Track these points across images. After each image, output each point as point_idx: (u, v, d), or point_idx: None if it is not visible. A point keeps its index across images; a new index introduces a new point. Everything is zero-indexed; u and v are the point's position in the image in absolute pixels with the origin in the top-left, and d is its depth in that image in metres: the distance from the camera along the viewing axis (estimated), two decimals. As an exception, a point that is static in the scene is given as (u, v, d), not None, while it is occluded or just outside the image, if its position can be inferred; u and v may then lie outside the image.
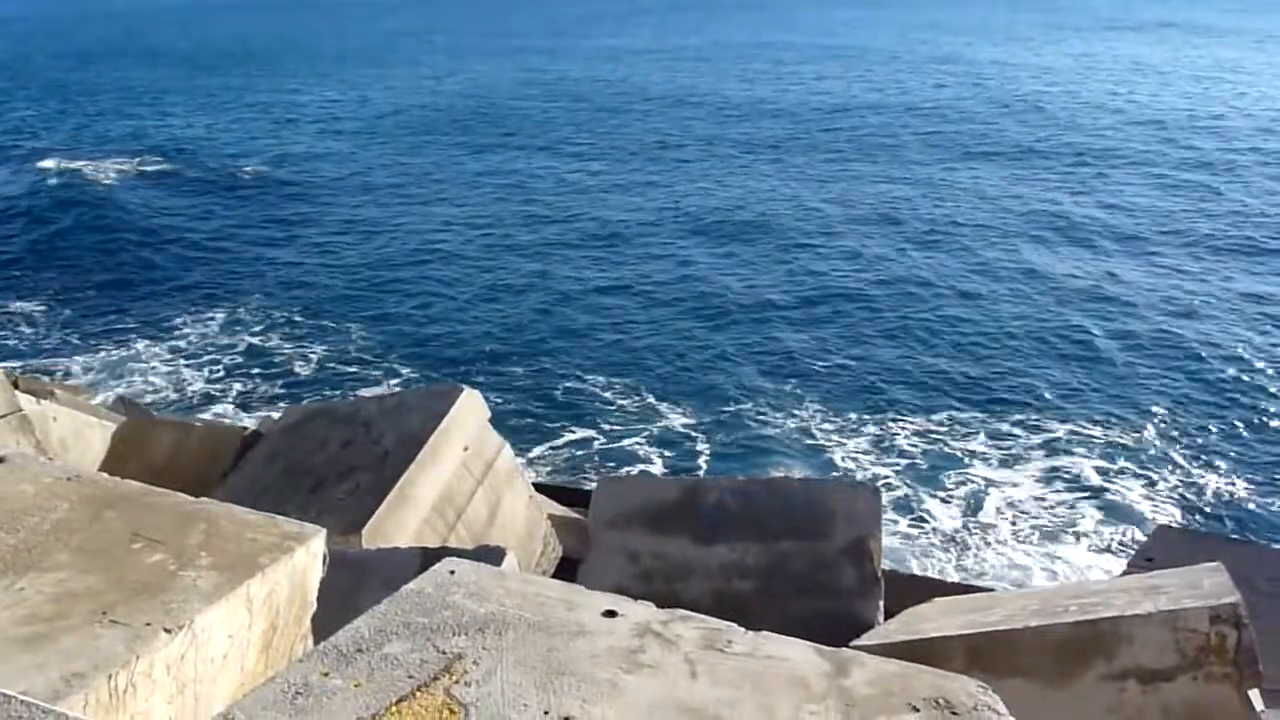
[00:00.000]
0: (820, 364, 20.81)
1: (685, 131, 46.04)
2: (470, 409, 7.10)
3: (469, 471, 6.98)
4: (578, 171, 38.45)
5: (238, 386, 19.60)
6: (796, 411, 18.74)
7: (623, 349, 21.45)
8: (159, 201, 34.61)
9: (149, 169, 40.00)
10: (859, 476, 16.23)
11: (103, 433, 9.27)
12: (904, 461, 16.97)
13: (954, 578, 12.94)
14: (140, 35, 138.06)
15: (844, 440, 17.70)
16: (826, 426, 18.15)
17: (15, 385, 8.14)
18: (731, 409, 18.85)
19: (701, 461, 17.00)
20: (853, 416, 18.51)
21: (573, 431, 17.90)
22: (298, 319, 22.85)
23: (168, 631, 2.61)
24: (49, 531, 3.08)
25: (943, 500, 15.82)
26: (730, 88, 58.79)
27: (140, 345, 21.44)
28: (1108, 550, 14.44)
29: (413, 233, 30.19)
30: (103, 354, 21.03)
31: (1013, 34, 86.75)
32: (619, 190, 35.15)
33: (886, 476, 16.41)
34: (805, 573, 6.36)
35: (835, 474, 16.14)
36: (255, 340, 21.79)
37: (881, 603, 6.27)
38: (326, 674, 2.32)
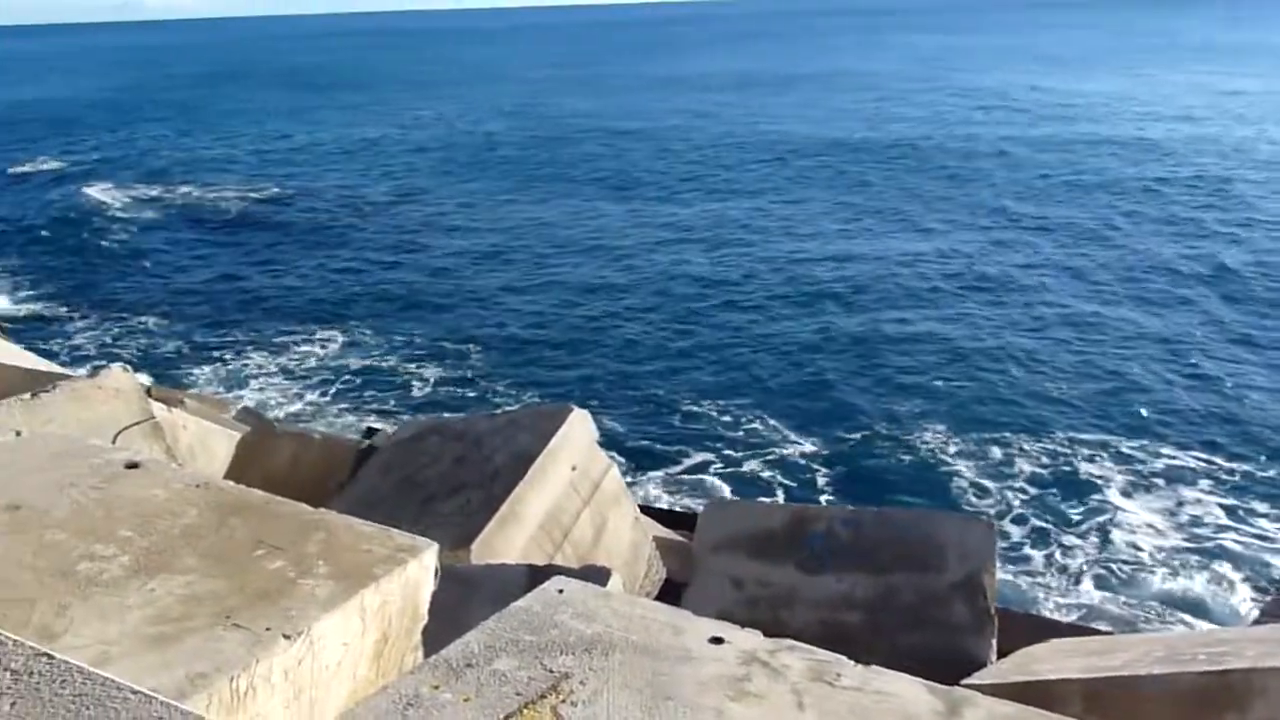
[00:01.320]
0: (940, 388, 20.39)
1: (792, 167, 45.86)
2: (579, 429, 7.15)
3: (576, 491, 7.03)
4: (694, 193, 38.62)
5: (356, 401, 20.17)
6: (912, 436, 18.38)
7: (737, 372, 21.36)
8: (281, 223, 36.05)
9: (268, 192, 41.70)
10: (974, 506, 15.79)
11: (228, 441, 9.64)
12: (1022, 492, 16.45)
13: (1071, 618, 12.45)
14: (265, 61, 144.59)
15: (961, 467, 17.25)
16: (943, 453, 17.74)
17: (148, 394, 8.53)
18: (843, 432, 18.59)
19: (810, 487, 16.78)
20: (971, 443, 18.05)
21: (679, 453, 17.88)
22: (415, 339, 23.44)
23: (287, 637, 2.68)
24: (178, 536, 3.20)
25: (1061, 535, 15.27)
26: (802, 119, 58.42)
27: (265, 360, 22.29)
28: (1239, 597, 13.69)
29: (529, 256, 30.74)
30: (229, 367, 21.93)
31: (1115, 64, 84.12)
32: (739, 215, 35.18)
33: (1002, 507, 15.93)
34: (915, 606, 6.20)
35: (949, 504, 15.72)
36: (374, 358, 22.42)
37: (994, 641, 6.07)
38: (436, 687, 2.36)
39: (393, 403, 20.14)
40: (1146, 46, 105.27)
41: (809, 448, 18.01)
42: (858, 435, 18.48)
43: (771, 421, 19.02)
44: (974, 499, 16.22)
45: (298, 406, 19.91)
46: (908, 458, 17.64)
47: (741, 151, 48.04)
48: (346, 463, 8.20)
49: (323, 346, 23.09)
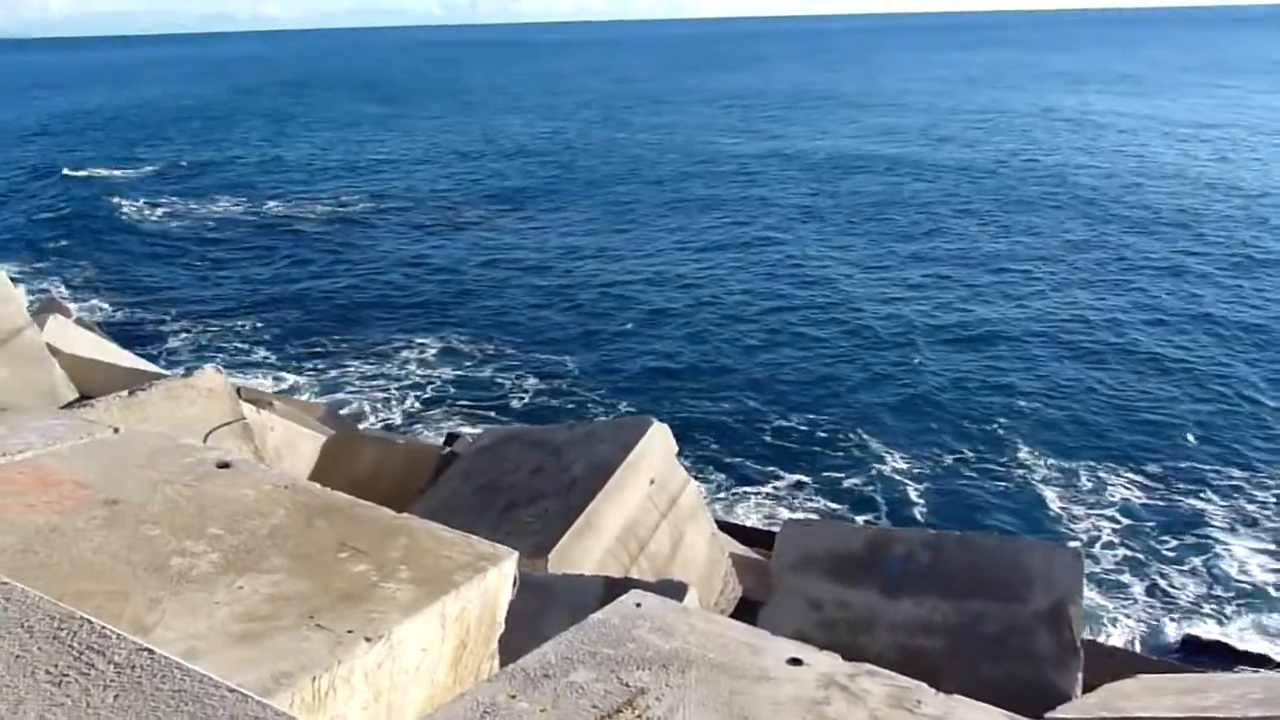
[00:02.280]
0: (1029, 412, 19.89)
1: (898, 186, 45.35)
2: (658, 442, 7.15)
3: (654, 504, 7.02)
4: (784, 213, 38.47)
5: (438, 407, 20.46)
6: (998, 461, 17.96)
7: (819, 391, 21.11)
8: (370, 231, 36.82)
9: (358, 201, 42.61)
10: (1062, 534, 15.35)
11: (313, 444, 9.85)
12: (1113, 521, 15.92)
13: (1161, 654, 12.01)
14: (350, 71, 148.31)
15: (1048, 494, 16.78)
16: (1031, 479, 17.27)
17: (238, 394, 8.77)
18: (926, 454, 18.24)
19: (890, 509, 16.48)
20: (1060, 469, 17.55)
21: (757, 469, 17.73)
22: (499, 347, 23.70)
23: (368, 640, 2.72)
24: (266, 536, 3.27)
25: (1154, 566, 14.75)
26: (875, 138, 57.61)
27: (351, 365, 22.76)
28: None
29: (619, 267, 30.89)
30: (316, 371, 22.44)
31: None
32: (831, 237, 34.92)
33: (1091, 535, 15.46)
34: (998, 635, 6.05)
35: (1035, 531, 15.29)
36: (456, 364, 22.74)
37: (1080, 674, 5.89)
38: (513, 696, 2.36)
39: (474, 409, 20.37)
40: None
41: (890, 468, 17.72)
42: (940, 457, 18.12)
43: (853, 441, 18.76)
44: (1061, 526, 15.76)
45: (381, 411, 20.27)
46: (993, 482, 17.23)
47: (838, 173, 47.68)
48: (428, 468, 8.32)
49: (407, 353, 23.50)
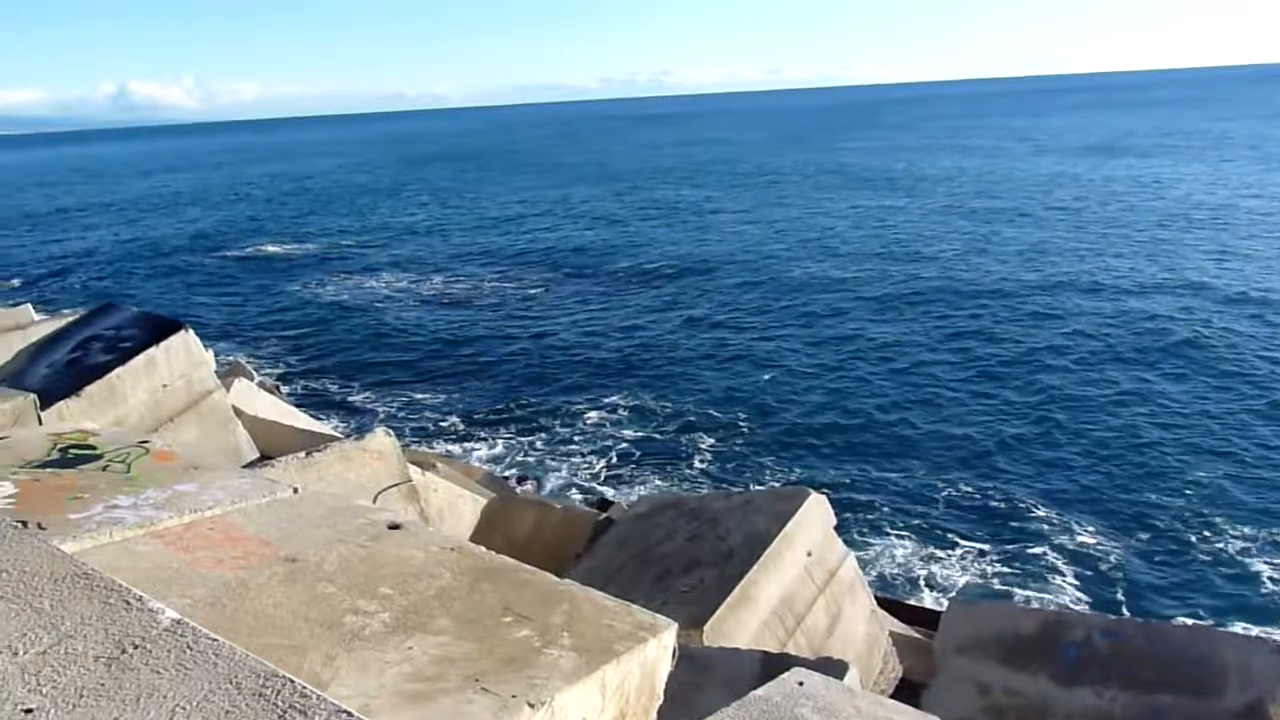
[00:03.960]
0: (1236, 486, 18.51)
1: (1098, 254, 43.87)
2: (815, 514, 7.01)
3: (811, 578, 6.86)
4: (954, 269, 37.69)
5: (593, 471, 20.69)
6: (1192, 538, 16.77)
7: (988, 462, 20.24)
8: (530, 299, 37.88)
9: (517, 271, 43.93)
10: (1262, 626, 14.17)
11: (473, 506, 10.09)
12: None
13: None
14: (522, 145, 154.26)
15: (1249, 578, 15.52)
16: (1225, 561, 16.05)
17: (405, 457, 9.09)
18: (1104, 532, 17.20)
19: (1065, 590, 15.58)
20: (1258, 554, 16.23)
21: (919, 543, 17.11)
22: (654, 412, 23.86)
23: (531, 706, 2.72)
24: (434, 597, 3.34)
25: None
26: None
27: (509, 429, 23.32)
28: None
29: (769, 332, 30.80)
30: (478, 435, 23.07)
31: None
32: (990, 293, 33.96)
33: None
34: (1187, 733, 5.61)
35: (1230, 621, 14.14)
36: (612, 430, 23.00)
37: (1282, 782, 5.38)
38: (677, 772, 2.32)
39: (627, 473, 20.51)
40: None
41: (1066, 544, 16.75)
42: (1122, 535, 17.03)
43: (1022, 513, 17.88)
44: (1261, 618, 14.49)
45: (537, 474, 20.64)
46: (1182, 565, 16.07)
47: (1003, 228, 46.54)
48: (584, 533, 8.39)
49: (561, 417, 23.92)
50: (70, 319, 11.84)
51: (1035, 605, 14.00)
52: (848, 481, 19.53)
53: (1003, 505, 18.36)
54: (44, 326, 11.79)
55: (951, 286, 35.93)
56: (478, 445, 22.40)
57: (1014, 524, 17.65)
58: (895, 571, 16.13)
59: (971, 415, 22.88)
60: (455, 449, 22.00)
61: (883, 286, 36.41)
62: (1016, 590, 15.52)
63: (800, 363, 27.50)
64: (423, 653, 2.98)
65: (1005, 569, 16.18)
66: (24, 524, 3.62)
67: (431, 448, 21.73)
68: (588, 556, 7.53)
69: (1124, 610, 14.51)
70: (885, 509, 18.33)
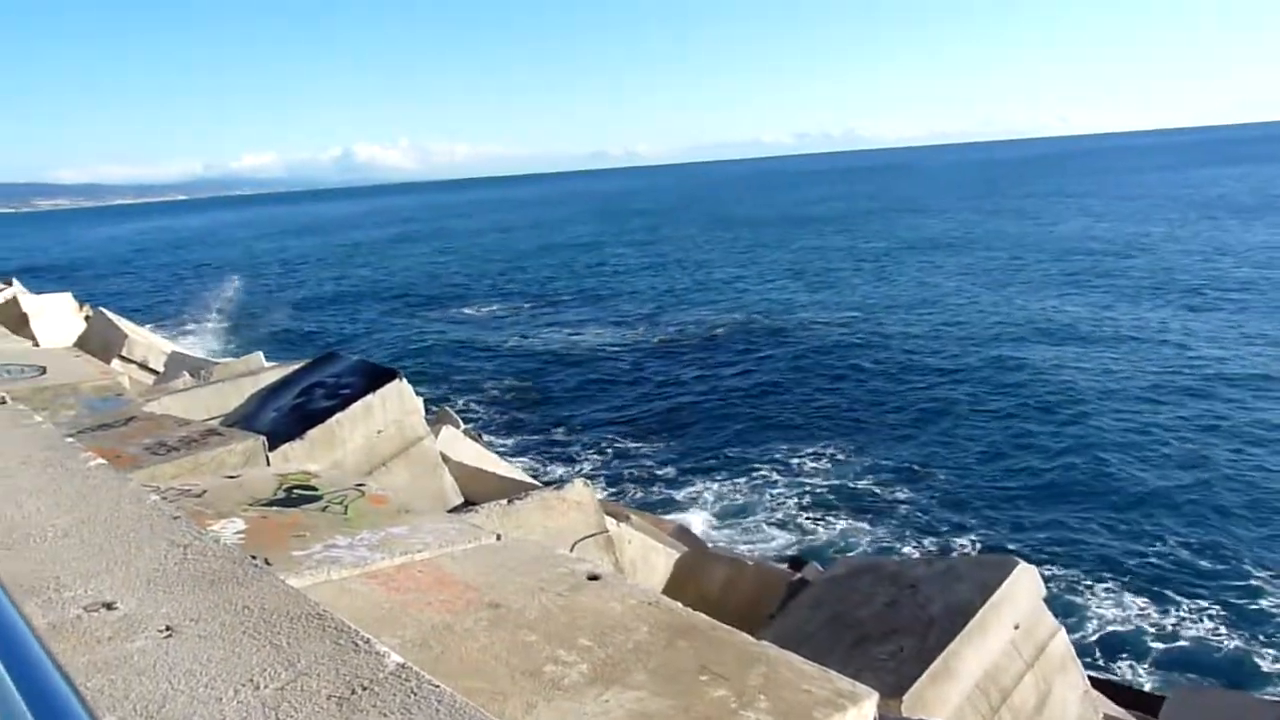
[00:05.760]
0: None
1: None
2: (1024, 584, 6.66)
3: (1018, 652, 6.50)
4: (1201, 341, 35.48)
5: (791, 529, 20.38)
6: None
7: (1225, 525, 18.67)
8: (726, 350, 38.01)
9: (734, 319, 44.19)
10: None
11: (666, 559, 10.12)
12: None
13: None
14: (720, 201, 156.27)
15: None
16: None
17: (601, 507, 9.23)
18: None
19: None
20: None
21: (1140, 618, 15.81)
22: (850, 469, 23.34)
23: (728, 770, 2.69)
24: (631, 651, 3.36)
25: None
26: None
27: (701, 481, 23.35)
28: None
29: (982, 383, 29.70)
30: (669, 485, 23.21)
31: None
32: (1212, 343, 31.68)
33: None
34: None
35: None
36: (807, 486, 22.64)
37: None
38: None
39: (817, 526, 20.09)
40: None
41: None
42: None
43: (1261, 582, 16.32)
44: None
45: (729, 529, 20.52)
46: None
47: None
48: (778, 592, 8.26)
49: (756, 472, 23.73)
50: (296, 366, 12.73)
51: (1272, 695, 12.70)
52: (1054, 545, 18.42)
53: (1233, 570, 16.85)
54: (273, 373, 12.72)
55: (1160, 335, 33.75)
56: (670, 497, 22.51)
57: (1248, 594, 16.12)
58: (1111, 648, 14.99)
59: (1191, 471, 21.23)
60: (648, 501, 22.19)
61: (1079, 333, 34.55)
62: (1252, 675, 14.12)
63: (998, 419, 26.31)
64: (619, 706, 2.99)
65: (1238, 646, 14.75)
66: (253, 558, 3.88)
67: (625, 499, 21.99)
68: (781, 617, 7.40)
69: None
70: (1100, 580, 17.16)
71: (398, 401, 10.45)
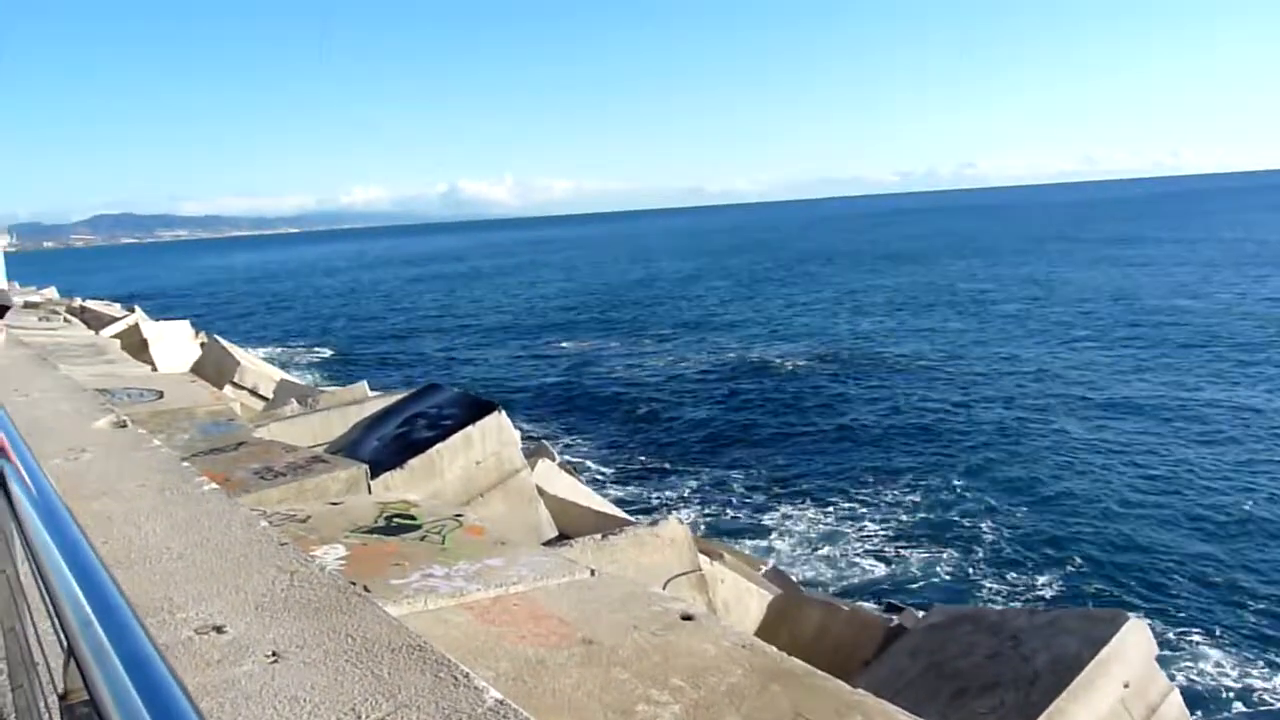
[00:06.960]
0: None
1: None
2: (1134, 640, 6.38)
3: (1128, 712, 6.22)
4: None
5: (887, 573, 19.94)
6: None
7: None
8: (825, 382, 37.58)
9: (829, 356, 43.78)
10: None
11: (760, 600, 10.00)
12: None
13: None
14: (819, 237, 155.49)
15: None
16: None
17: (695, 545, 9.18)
18: None
19: None
20: None
21: (1260, 679, 15.00)
22: (951, 511, 22.77)
23: (822, 822, 2.63)
24: (724, 693, 3.32)
25: None
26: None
27: (800, 522, 23.02)
28: None
29: (1097, 428, 28.77)
30: (765, 525, 22.94)
31: None
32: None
33: None
34: None
35: None
36: (905, 528, 22.14)
37: None
38: None
39: (912, 571, 19.58)
40: None
41: None
42: None
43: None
44: None
45: (823, 571, 20.17)
46: None
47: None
48: (873, 638, 8.08)
49: (854, 510, 23.31)
50: (400, 396, 13.03)
51: None
52: (1162, 597, 17.64)
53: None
54: (377, 402, 13.04)
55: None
56: (759, 522, 22.27)
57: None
58: (1224, 710, 14.24)
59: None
60: (737, 527, 21.99)
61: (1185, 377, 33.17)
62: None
63: (1098, 466, 25.38)
64: (712, 751, 2.96)
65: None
66: (352, 584, 3.96)
67: (717, 524, 21.84)
68: (877, 664, 7.23)
69: None
70: (1211, 635, 16.35)
71: (496, 433, 10.60)
